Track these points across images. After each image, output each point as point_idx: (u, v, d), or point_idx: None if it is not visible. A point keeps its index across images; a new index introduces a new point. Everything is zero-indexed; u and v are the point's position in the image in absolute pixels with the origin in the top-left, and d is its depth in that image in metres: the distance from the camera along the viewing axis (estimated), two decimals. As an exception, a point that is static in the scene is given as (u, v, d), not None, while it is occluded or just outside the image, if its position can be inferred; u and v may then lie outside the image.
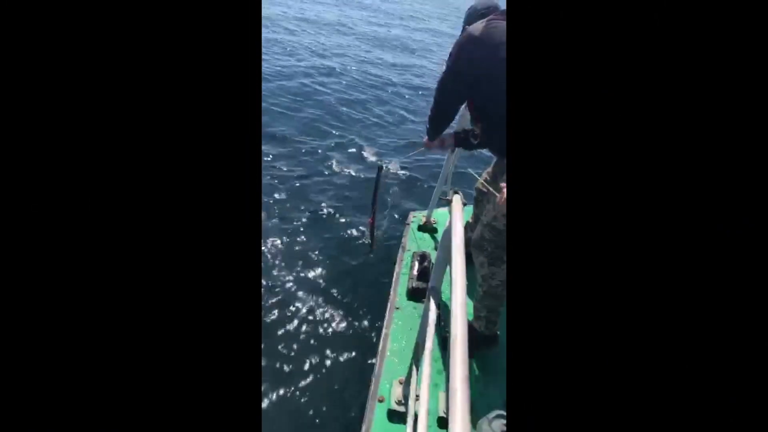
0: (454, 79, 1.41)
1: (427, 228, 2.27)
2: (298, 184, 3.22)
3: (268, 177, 3.20)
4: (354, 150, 3.92)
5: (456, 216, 0.98)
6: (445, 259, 1.06)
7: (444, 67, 1.44)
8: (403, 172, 3.56)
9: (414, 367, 1.24)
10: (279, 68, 5.63)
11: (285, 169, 3.39)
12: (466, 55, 1.34)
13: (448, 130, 1.64)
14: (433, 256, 1.95)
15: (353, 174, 3.51)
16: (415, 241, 2.15)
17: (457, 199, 1.05)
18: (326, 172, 3.47)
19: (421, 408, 0.90)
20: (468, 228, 1.76)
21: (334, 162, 3.63)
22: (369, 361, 1.88)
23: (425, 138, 1.69)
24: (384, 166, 2.29)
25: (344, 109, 4.82)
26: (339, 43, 7.69)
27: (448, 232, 1.00)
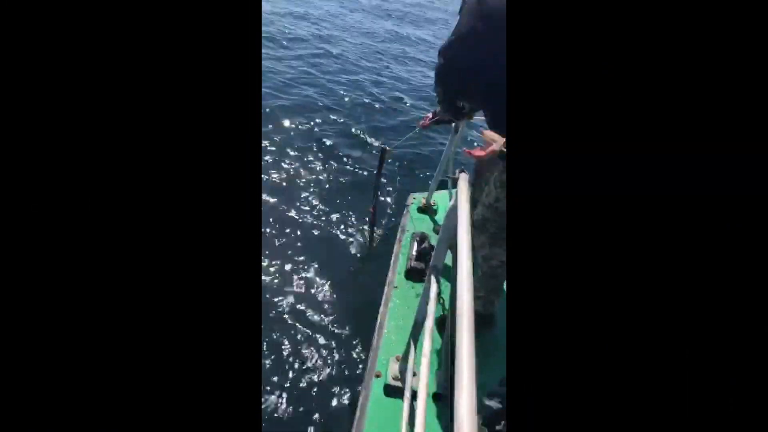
0: (472, 43, 1.22)
1: (427, 210, 2.27)
2: (294, 165, 3.20)
3: (264, 159, 3.17)
4: (352, 132, 3.88)
5: (462, 194, 0.98)
6: (448, 238, 1.06)
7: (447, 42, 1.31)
8: (403, 152, 3.54)
9: (411, 344, 1.25)
10: (271, 51, 5.52)
11: (279, 152, 3.36)
12: (474, 18, 1.20)
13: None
14: (432, 238, 1.96)
15: (351, 155, 3.49)
16: (414, 223, 2.16)
17: (463, 178, 1.05)
18: (323, 154, 3.44)
19: (421, 383, 0.92)
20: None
21: (331, 143, 3.60)
22: (367, 338, 1.90)
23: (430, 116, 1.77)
24: (387, 148, 2.28)
25: (340, 90, 4.75)
26: (335, 24, 7.56)
27: (453, 211, 1.00)
